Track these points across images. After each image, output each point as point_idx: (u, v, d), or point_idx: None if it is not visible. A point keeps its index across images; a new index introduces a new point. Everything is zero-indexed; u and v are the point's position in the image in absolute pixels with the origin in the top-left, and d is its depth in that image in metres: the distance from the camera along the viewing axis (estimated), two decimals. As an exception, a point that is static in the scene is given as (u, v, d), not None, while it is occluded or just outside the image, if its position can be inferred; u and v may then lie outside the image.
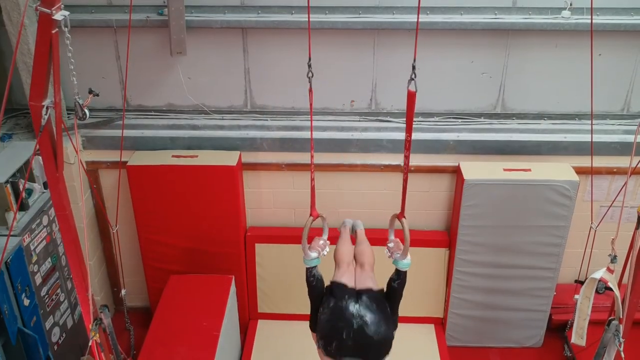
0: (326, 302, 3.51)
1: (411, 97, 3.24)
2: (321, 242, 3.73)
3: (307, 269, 3.64)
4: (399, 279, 3.51)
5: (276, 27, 5.09)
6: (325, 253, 3.70)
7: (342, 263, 3.82)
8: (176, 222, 5.45)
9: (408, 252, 3.49)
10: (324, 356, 3.37)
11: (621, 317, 4.10)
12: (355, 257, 3.96)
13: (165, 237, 5.51)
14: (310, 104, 3.42)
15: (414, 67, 3.18)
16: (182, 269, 5.55)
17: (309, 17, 3.52)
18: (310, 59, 3.37)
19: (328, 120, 5.48)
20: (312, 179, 3.67)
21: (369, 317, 3.29)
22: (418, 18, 3.16)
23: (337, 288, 3.53)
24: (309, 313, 5.33)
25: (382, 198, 5.62)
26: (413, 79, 3.20)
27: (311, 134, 3.56)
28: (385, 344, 3.39)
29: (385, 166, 5.45)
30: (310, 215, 3.70)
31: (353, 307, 3.33)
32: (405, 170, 3.47)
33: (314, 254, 3.60)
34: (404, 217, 3.54)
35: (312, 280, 3.63)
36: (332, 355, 3.31)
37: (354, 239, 4.31)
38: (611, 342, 4.20)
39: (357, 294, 3.43)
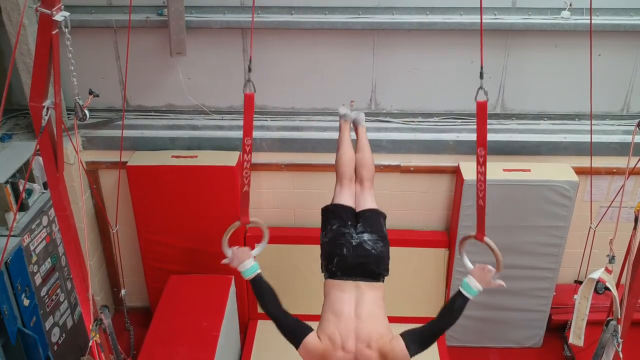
0: (328, 224, 3.63)
1: (482, 108, 2.97)
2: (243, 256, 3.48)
3: (251, 281, 3.39)
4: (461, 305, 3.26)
5: (276, 27, 5.10)
6: (244, 268, 3.46)
7: (343, 178, 3.86)
8: (176, 222, 5.46)
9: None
10: (327, 279, 3.48)
11: (619, 317, 4.10)
12: (355, 167, 3.94)
13: (165, 237, 5.51)
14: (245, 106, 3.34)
15: (481, 74, 2.92)
16: (182, 269, 5.55)
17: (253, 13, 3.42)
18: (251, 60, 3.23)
19: (328, 120, 5.48)
20: (247, 182, 3.49)
21: (367, 236, 3.49)
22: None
23: (338, 210, 3.65)
24: (308, 313, 5.32)
25: (382, 198, 5.56)
26: (482, 88, 2.92)
27: (245, 135, 3.48)
28: (384, 260, 3.52)
29: (384, 166, 5.45)
30: (239, 219, 3.51)
31: (353, 228, 3.52)
32: (481, 187, 3.16)
33: (249, 263, 3.41)
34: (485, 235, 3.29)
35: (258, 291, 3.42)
36: (334, 273, 3.44)
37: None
38: (609, 343, 4.21)
39: (357, 215, 3.59)
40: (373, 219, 3.63)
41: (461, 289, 3.27)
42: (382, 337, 3.19)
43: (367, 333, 3.18)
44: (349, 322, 3.24)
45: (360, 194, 3.79)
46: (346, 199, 3.74)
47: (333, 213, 3.66)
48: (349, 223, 3.59)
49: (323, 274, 3.56)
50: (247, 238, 5.62)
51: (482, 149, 3.06)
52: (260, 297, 3.41)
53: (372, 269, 3.44)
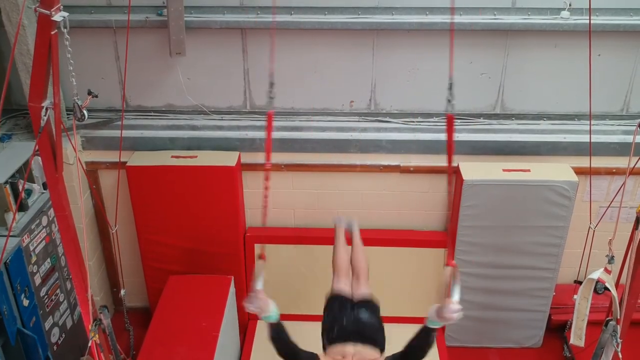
0: (328, 309, 4.00)
1: (450, 121, 3.11)
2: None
3: (271, 325, 3.67)
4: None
5: (275, 27, 5.09)
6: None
7: (340, 272, 4.31)
8: (175, 223, 5.46)
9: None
10: (329, 347, 3.72)
11: (618, 317, 4.10)
12: (351, 263, 4.40)
13: (164, 238, 5.52)
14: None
15: (450, 86, 3.04)
16: (182, 269, 5.55)
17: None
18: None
19: (327, 120, 5.48)
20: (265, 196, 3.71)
21: (364, 314, 3.85)
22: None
23: (337, 299, 4.03)
24: (308, 313, 5.37)
25: (382, 198, 5.63)
26: (450, 101, 3.05)
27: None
28: (381, 332, 3.81)
29: (384, 167, 5.45)
30: (260, 257, 3.91)
31: (351, 309, 3.90)
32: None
33: (273, 311, 3.65)
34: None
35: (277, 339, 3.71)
36: (334, 339, 3.71)
37: (348, 239, 4.65)
38: (609, 343, 4.21)
39: (354, 304, 3.96)
40: (371, 307, 3.96)
41: (427, 324, 3.57)
42: None
43: None
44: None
45: (357, 286, 4.18)
46: (344, 287, 4.18)
47: (334, 298, 4.06)
48: (346, 304, 3.97)
49: (323, 345, 3.82)
50: (247, 238, 5.63)
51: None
52: (277, 341, 3.68)
53: (371, 335, 3.73)
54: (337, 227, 4.79)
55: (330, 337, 3.75)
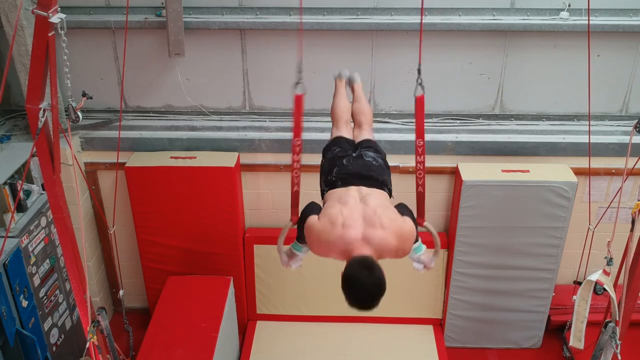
0: (328, 150, 3.52)
1: (420, 102, 3.21)
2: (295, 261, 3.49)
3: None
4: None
5: (274, 28, 5.10)
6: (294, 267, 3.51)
7: (339, 121, 3.75)
8: (174, 224, 5.45)
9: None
10: (328, 191, 3.27)
11: (617, 319, 4.10)
12: (352, 115, 3.85)
13: (163, 238, 5.51)
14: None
15: (419, 71, 3.20)
16: (181, 270, 5.55)
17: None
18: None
19: (326, 121, 5.45)
20: (297, 182, 3.51)
21: (366, 150, 3.40)
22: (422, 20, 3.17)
23: (339, 140, 3.54)
24: (308, 314, 5.32)
25: (381, 199, 5.62)
26: (420, 83, 3.15)
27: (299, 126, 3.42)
28: (385, 171, 3.39)
29: (383, 167, 5.44)
30: (291, 220, 3.49)
31: (353, 149, 3.45)
32: (420, 175, 3.41)
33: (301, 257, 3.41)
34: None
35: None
36: (333, 183, 3.25)
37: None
38: (608, 344, 4.20)
39: (356, 145, 3.51)
40: (373, 145, 3.53)
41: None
42: (395, 220, 2.99)
43: (377, 217, 2.93)
44: (355, 208, 3.00)
45: (359, 134, 3.68)
46: (345, 133, 3.64)
47: (333, 143, 3.56)
48: (347, 145, 3.51)
49: (322, 192, 3.39)
50: (246, 239, 5.63)
51: (421, 140, 3.33)
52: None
53: (374, 176, 3.26)
54: (338, 80, 4.16)
55: (329, 180, 3.30)
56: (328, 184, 3.29)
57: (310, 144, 5.41)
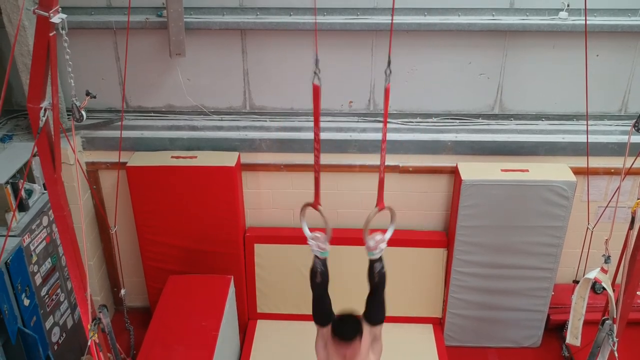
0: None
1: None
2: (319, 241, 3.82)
3: (318, 258, 3.83)
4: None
5: (275, 28, 5.12)
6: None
7: None
8: (175, 223, 5.48)
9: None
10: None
11: (615, 316, 4.11)
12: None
13: (164, 238, 5.54)
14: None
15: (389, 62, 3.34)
16: (182, 269, 5.57)
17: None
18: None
19: (326, 121, 5.49)
20: (318, 169, 3.71)
21: None
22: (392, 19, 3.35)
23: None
24: (308, 313, 5.34)
25: (381, 198, 5.64)
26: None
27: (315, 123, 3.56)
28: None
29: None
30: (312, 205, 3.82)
31: None
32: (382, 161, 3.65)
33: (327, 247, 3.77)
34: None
35: (317, 271, 3.85)
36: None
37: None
38: (605, 342, 4.21)
39: None
40: None
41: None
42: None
43: None
44: None
45: None
46: None
47: None
48: None
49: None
50: (247, 238, 5.65)
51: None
52: (319, 274, 3.87)
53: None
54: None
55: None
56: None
57: (310, 144, 5.34)
